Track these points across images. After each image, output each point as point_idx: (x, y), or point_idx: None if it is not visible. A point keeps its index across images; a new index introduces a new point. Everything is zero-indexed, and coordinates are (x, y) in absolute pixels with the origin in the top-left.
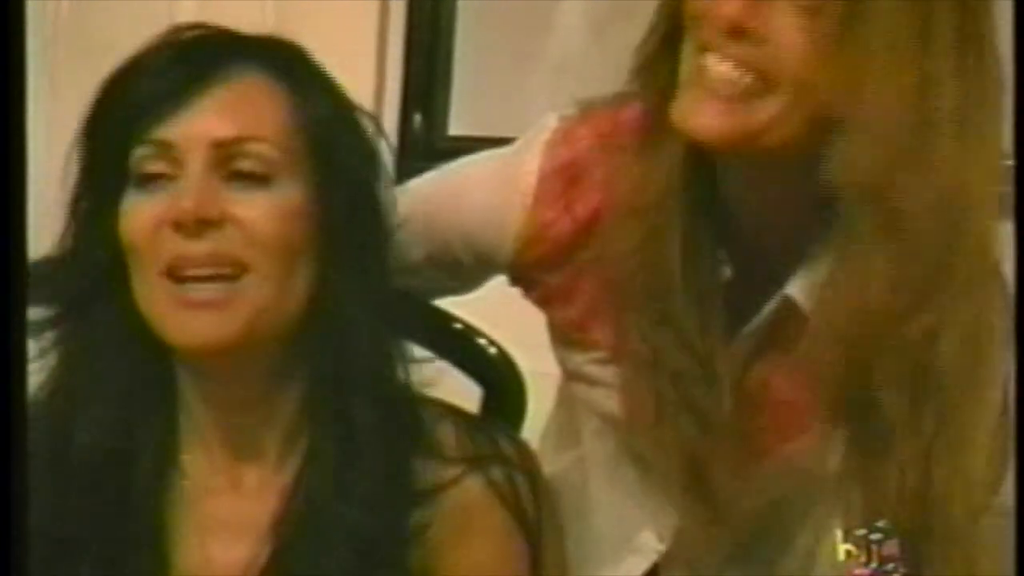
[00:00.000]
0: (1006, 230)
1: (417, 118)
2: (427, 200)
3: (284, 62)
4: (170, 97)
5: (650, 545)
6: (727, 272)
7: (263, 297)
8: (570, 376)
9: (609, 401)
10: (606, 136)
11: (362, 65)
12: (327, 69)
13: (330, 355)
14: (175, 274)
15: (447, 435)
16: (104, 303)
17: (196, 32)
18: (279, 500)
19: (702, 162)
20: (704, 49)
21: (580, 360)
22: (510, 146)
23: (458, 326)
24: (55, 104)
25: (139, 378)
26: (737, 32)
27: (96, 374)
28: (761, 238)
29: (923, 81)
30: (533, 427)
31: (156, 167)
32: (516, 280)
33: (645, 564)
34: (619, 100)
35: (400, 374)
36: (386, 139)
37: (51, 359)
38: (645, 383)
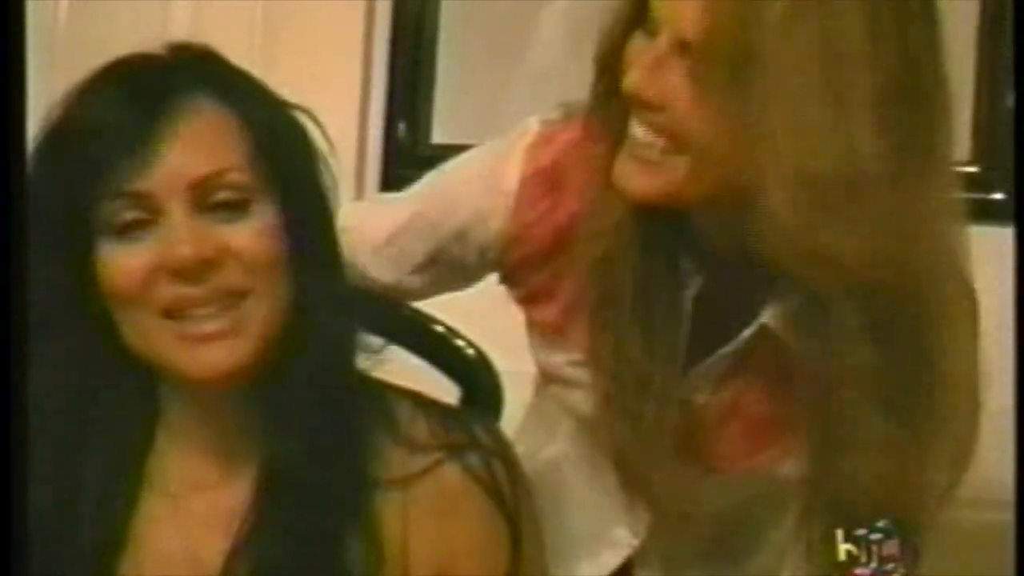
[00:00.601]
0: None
1: (401, 127)
2: (422, 201)
3: (218, 77)
4: (133, 146)
5: (624, 540)
6: (696, 283)
7: (265, 314)
8: (548, 378)
9: (586, 403)
10: (587, 141)
11: (348, 76)
12: (247, 71)
13: (302, 353)
14: (176, 315)
15: (421, 425)
16: (72, 328)
17: (125, 71)
18: (250, 493)
19: None
20: (631, 115)
21: (558, 362)
22: (494, 144)
23: (438, 328)
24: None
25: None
26: (641, 102)
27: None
28: (729, 254)
29: (841, 136)
30: (509, 424)
31: (133, 215)
32: (503, 278)
33: (619, 558)
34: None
35: (366, 368)
36: (321, 127)
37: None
38: (605, 385)
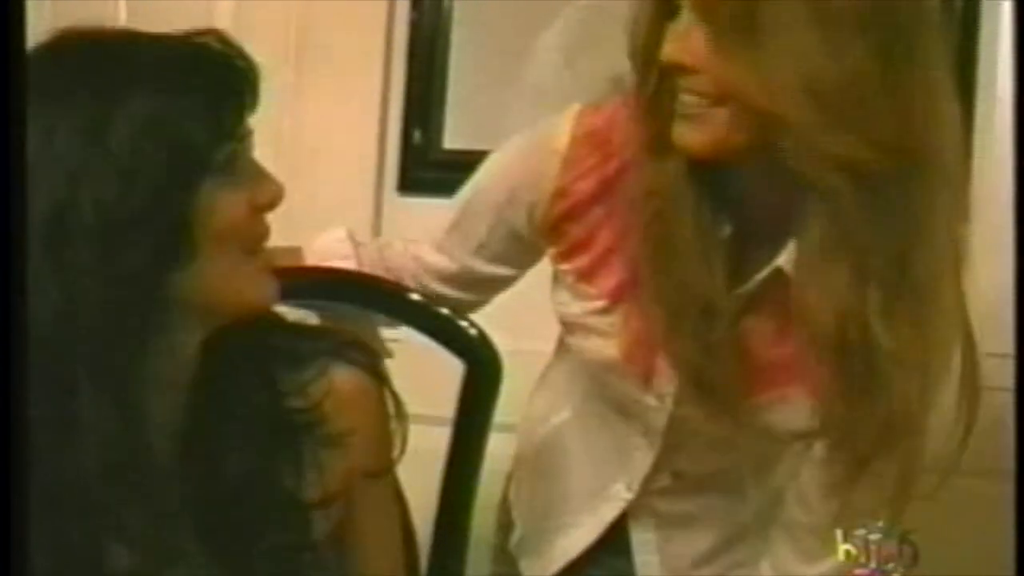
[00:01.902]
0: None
1: (417, 134)
2: (475, 186)
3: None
4: (240, 98)
5: (621, 495)
6: (727, 230)
7: None
8: (570, 328)
9: (605, 348)
10: (627, 109)
11: (370, 89)
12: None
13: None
14: (253, 249)
15: (304, 344)
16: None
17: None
18: (183, 441)
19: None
20: (676, 85)
21: (580, 311)
22: (536, 127)
23: (444, 311)
24: None
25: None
26: (678, 68)
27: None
28: (756, 208)
29: (840, 64)
30: (509, 395)
31: (232, 159)
32: (549, 234)
33: (616, 510)
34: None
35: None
36: None
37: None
38: (652, 323)
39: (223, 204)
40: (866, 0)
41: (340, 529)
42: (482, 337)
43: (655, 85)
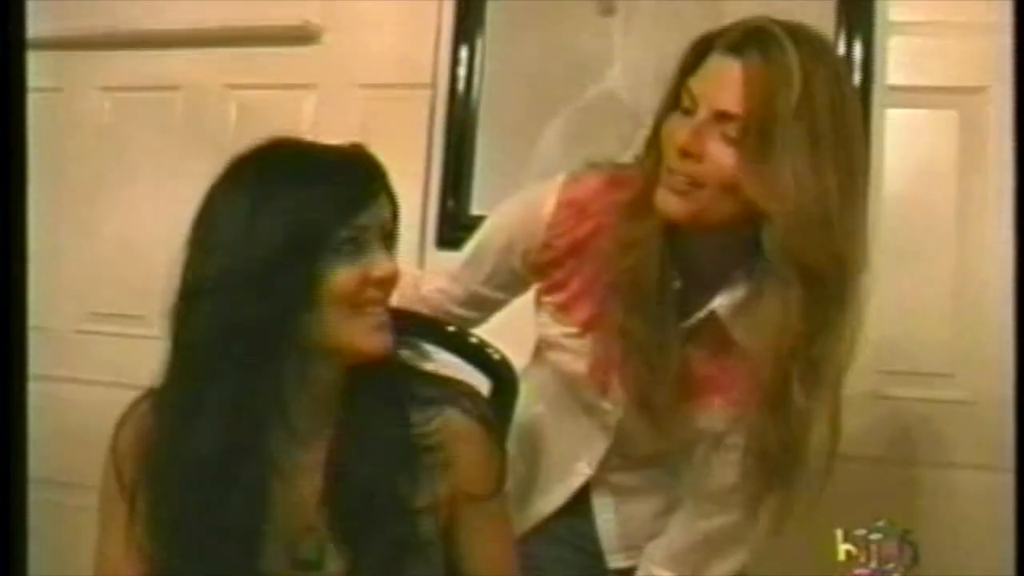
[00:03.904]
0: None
1: (451, 203)
2: (480, 237)
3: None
4: (361, 198)
5: (583, 471)
6: (678, 284)
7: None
8: (547, 345)
9: (574, 364)
10: (605, 185)
11: (415, 169)
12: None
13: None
14: (360, 310)
15: (429, 389)
16: (273, 341)
17: (356, 153)
18: (332, 446)
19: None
20: (668, 161)
21: (558, 333)
22: (530, 189)
23: (473, 339)
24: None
25: (267, 396)
26: (685, 154)
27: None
28: (701, 266)
29: (819, 183)
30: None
31: (351, 243)
32: (536, 273)
33: (579, 482)
34: (614, 166)
35: (403, 360)
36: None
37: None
38: (611, 349)
39: (338, 273)
40: (834, 123)
41: (445, 537)
42: (503, 360)
43: (650, 157)
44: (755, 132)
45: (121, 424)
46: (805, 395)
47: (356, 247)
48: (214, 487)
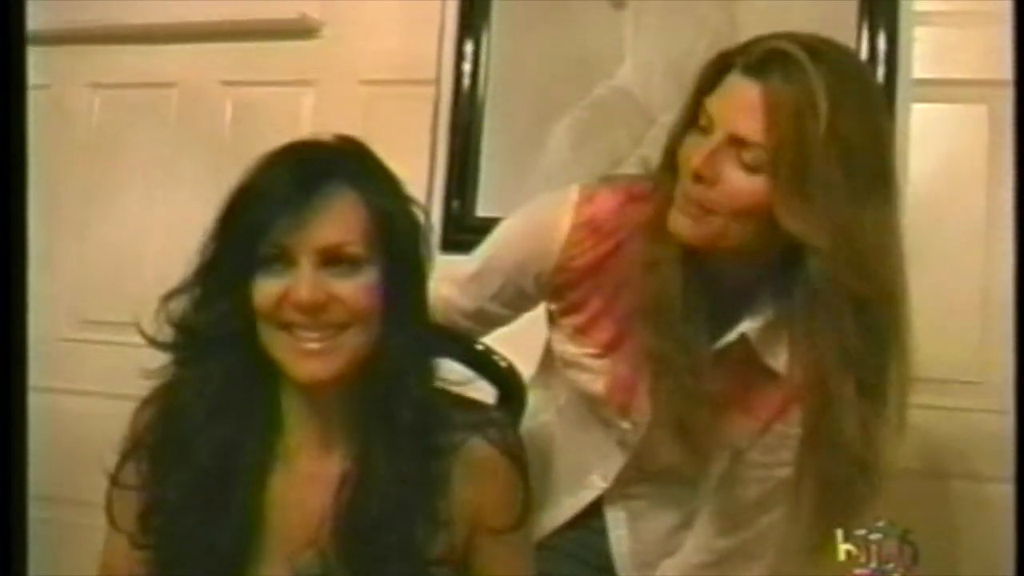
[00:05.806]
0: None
1: (456, 204)
2: (491, 250)
3: (363, 172)
4: (287, 212)
5: (597, 484)
6: (706, 300)
7: (357, 343)
8: (567, 364)
9: (593, 384)
10: (620, 202)
11: (419, 170)
12: (387, 166)
13: (381, 371)
14: (290, 330)
15: (456, 414)
16: (231, 345)
17: (298, 154)
18: (345, 464)
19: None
20: (682, 183)
21: (577, 353)
22: (541, 203)
23: (480, 347)
24: (177, 192)
25: (251, 398)
26: (698, 178)
27: (218, 395)
28: (726, 286)
29: (858, 213)
30: None
31: (276, 259)
32: (551, 296)
33: (592, 496)
34: (629, 179)
35: (429, 381)
36: (428, 218)
37: (177, 384)
38: (636, 371)
39: (260, 288)
40: (867, 145)
41: (462, 567)
42: (511, 368)
43: (665, 178)
44: (786, 164)
45: (141, 409)
46: (864, 423)
47: (285, 264)
48: (211, 487)
